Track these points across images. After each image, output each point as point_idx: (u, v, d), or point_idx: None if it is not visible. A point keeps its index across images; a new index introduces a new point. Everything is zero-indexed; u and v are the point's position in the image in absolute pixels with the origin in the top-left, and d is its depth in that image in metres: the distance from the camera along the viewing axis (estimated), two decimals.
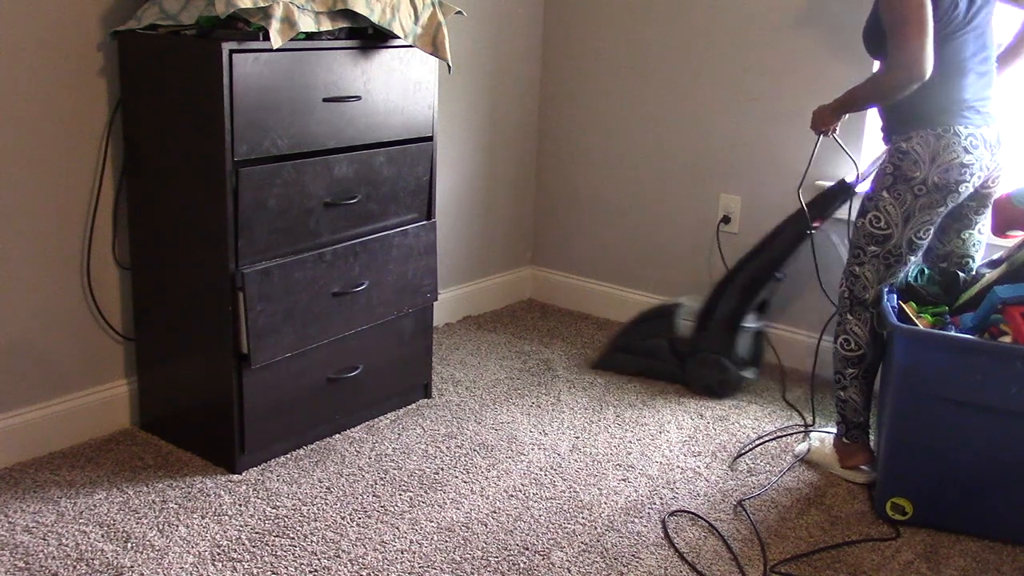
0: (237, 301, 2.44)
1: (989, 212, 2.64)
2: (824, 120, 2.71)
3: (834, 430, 2.81)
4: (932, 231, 2.54)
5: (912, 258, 2.56)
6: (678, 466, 2.74)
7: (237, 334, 2.47)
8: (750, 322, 3.19)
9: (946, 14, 2.40)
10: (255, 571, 2.18)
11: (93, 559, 2.19)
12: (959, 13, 2.42)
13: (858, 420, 2.66)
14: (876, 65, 2.67)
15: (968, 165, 2.45)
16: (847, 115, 2.73)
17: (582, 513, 2.48)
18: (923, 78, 2.37)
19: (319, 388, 2.72)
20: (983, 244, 2.70)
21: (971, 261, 2.69)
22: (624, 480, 2.65)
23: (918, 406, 2.39)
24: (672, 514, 2.49)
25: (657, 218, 3.72)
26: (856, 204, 2.92)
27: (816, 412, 3.07)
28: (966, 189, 2.48)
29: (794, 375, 3.39)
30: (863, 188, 2.84)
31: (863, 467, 2.67)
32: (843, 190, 3.01)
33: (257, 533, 2.32)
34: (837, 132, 2.75)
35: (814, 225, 3.01)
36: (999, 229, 2.58)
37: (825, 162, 3.18)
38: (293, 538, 2.31)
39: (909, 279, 2.65)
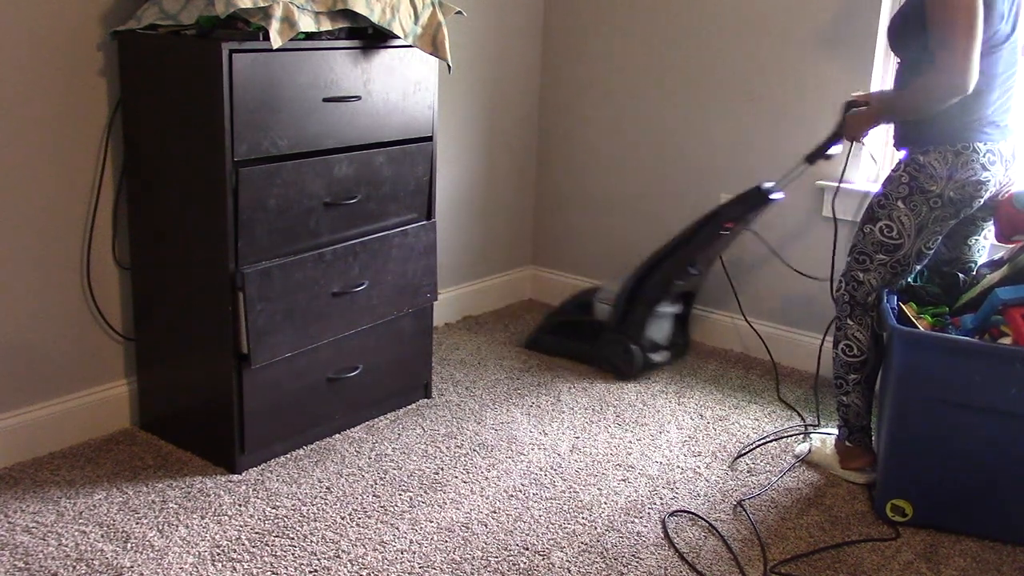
0: (237, 301, 2.44)
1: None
2: (861, 128, 2.62)
3: (834, 431, 2.81)
4: (939, 241, 2.53)
5: (917, 267, 2.55)
6: (678, 466, 2.74)
7: (237, 334, 2.47)
8: (665, 308, 3.32)
9: (993, 27, 2.33)
10: (255, 571, 2.18)
11: (93, 559, 2.19)
12: (1004, 27, 2.35)
13: (860, 424, 2.66)
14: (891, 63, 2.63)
15: (985, 182, 2.42)
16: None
17: (582, 513, 2.48)
18: (966, 91, 2.29)
19: (319, 388, 2.72)
20: (987, 247, 2.70)
21: (974, 265, 2.69)
22: (624, 480, 2.65)
23: (918, 408, 2.39)
24: (672, 514, 2.49)
25: (657, 218, 3.71)
26: (846, 203, 2.92)
27: (813, 413, 3.07)
28: (978, 204, 2.47)
29: (794, 375, 3.39)
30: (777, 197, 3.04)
31: (865, 469, 2.67)
32: (758, 197, 3.11)
33: (257, 533, 2.32)
34: (866, 137, 2.72)
35: (727, 226, 3.15)
36: (1003, 235, 2.55)
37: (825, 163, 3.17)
38: (293, 538, 2.31)
39: (908, 280, 2.64)
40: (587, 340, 3.37)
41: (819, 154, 2.92)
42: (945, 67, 2.28)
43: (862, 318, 2.58)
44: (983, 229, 2.65)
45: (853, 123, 2.64)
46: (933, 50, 2.31)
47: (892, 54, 2.71)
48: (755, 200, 3.11)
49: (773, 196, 3.08)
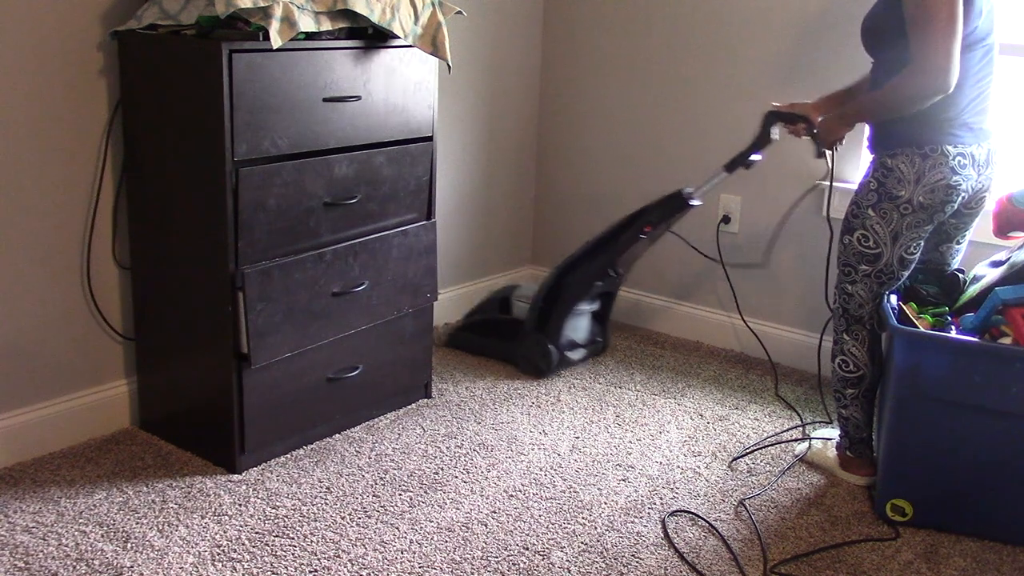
0: (237, 301, 2.44)
1: (970, 228, 2.61)
2: (833, 133, 2.57)
3: (835, 432, 2.81)
4: (922, 246, 2.49)
5: (904, 273, 2.51)
6: (678, 466, 2.74)
7: (237, 334, 2.47)
8: (583, 307, 3.34)
9: (972, 23, 2.25)
10: (255, 571, 2.18)
11: (93, 559, 2.19)
12: (982, 24, 2.28)
13: (861, 436, 2.64)
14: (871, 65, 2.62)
15: (955, 186, 2.37)
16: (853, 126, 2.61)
17: (582, 513, 2.48)
18: (947, 90, 2.22)
19: (319, 388, 2.72)
20: (962, 252, 2.67)
21: (947, 270, 2.67)
22: (624, 480, 2.65)
23: (918, 408, 2.39)
24: (672, 514, 2.49)
25: None
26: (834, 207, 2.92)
27: (813, 413, 3.07)
28: (951, 208, 2.42)
29: (793, 375, 3.39)
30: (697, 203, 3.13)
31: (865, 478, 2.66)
32: (678, 202, 3.13)
33: (257, 533, 2.32)
34: (843, 143, 2.66)
35: (645, 230, 3.16)
36: (1000, 231, 2.56)
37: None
38: (293, 538, 2.31)
39: (906, 282, 2.64)
40: (506, 339, 3.38)
41: (739, 162, 2.98)
42: (925, 65, 2.21)
43: (858, 333, 2.56)
44: (954, 237, 2.61)
45: (826, 129, 2.58)
46: (911, 47, 2.24)
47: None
48: (675, 205, 3.16)
49: (692, 202, 3.14)
